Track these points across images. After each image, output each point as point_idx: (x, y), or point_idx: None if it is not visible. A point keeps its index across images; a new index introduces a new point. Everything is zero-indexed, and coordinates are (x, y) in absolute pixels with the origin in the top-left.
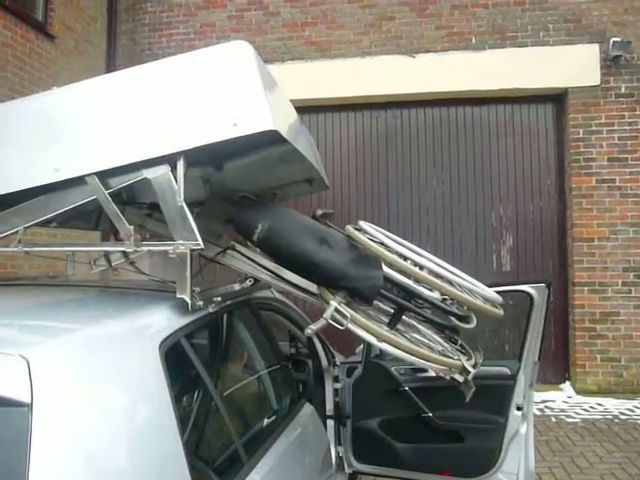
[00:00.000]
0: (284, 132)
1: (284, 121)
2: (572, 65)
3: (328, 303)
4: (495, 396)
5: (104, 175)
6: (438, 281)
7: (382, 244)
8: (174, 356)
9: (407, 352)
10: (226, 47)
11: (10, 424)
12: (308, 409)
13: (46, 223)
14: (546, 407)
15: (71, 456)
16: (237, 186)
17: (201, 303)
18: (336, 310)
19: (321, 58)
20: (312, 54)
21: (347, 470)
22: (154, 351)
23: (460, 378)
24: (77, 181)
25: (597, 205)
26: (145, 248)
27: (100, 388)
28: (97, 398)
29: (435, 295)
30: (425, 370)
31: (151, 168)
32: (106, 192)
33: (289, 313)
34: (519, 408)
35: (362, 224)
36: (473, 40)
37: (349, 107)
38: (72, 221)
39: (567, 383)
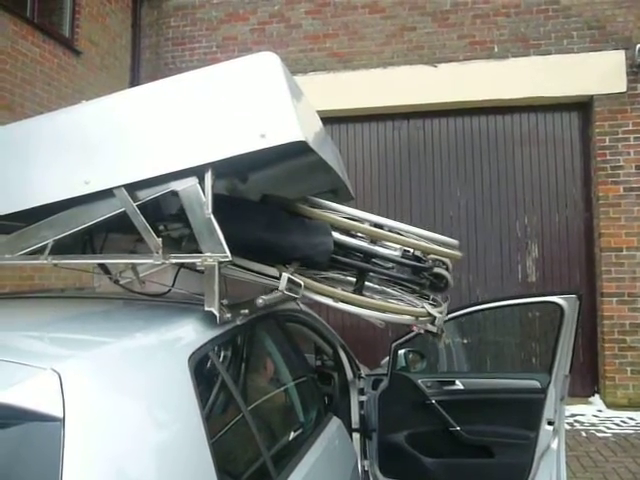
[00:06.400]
0: (311, 142)
1: (311, 131)
2: (597, 72)
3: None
4: (525, 410)
5: (133, 188)
6: (391, 234)
7: (329, 210)
8: (203, 369)
9: (364, 307)
10: (253, 58)
11: (42, 439)
12: (335, 423)
13: (36, 253)
14: (576, 421)
15: (103, 471)
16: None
17: (229, 315)
18: (290, 281)
19: (343, 69)
20: (334, 65)
21: None
22: (183, 364)
23: (434, 328)
24: (106, 194)
25: (625, 214)
26: (173, 260)
27: (130, 402)
28: (127, 412)
29: (393, 252)
30: (453, 383)
31: (179, 180)
32: (134, 204)
33: (315, 325)
34: (550, 423)
35: (307, 197)
36: (495, 49)
37: (371, 118)
38: (65, 248)
39: (596, 396)
